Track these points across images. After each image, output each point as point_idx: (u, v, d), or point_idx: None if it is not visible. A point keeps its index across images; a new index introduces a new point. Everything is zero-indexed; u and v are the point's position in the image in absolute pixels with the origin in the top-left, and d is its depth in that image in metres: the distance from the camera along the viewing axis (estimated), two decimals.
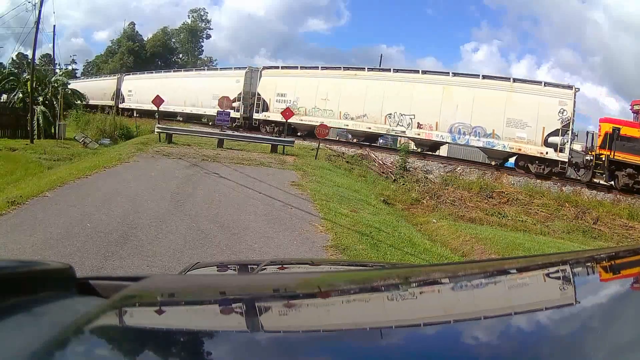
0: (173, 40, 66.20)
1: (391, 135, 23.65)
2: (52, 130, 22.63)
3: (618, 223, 15.10)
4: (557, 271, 1.07)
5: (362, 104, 21.73)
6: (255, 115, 26.04)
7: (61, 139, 21.45)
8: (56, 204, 7.43)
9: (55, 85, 25.75)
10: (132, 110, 34.68)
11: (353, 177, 16.43)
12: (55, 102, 23.96)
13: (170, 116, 32.06)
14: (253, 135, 21.34)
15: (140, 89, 33.94)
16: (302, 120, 23.37)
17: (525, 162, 18.62)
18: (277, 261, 2.19)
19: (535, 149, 17.94)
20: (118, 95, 37.91)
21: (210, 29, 68.23)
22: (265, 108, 25.50)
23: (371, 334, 0.69)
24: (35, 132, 21.99)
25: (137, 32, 63.88)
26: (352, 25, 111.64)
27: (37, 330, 0.65)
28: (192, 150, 15.45)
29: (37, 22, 22.66)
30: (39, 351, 0.56)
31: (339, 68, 23.92)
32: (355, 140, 23.46)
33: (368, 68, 23.21)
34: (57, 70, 36.04)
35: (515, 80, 18.91)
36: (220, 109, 19.62)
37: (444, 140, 20.51)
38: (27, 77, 25.05)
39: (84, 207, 7.34)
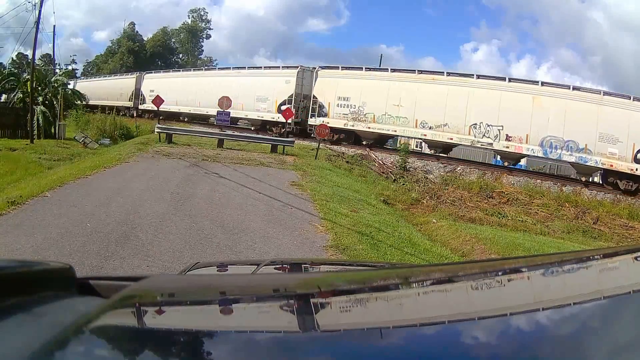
0: (173, 40, 66.21)
1: (476, 147, 21.09)
2: (52, 130, 22.63)
3: (618, 223, 15.10)
4: (557, 271, 1.07)
5: (443, 112, 19.71)
6: (311, 121, 23.45)
7: (61, 139, 21.45)
8: (56, 204, 7.44)
9: (55, 85, 25.75)
10: (154, 112, 31.37)
11: (353, 177, 16.43)
12: (55, 102, 23.96)
13: (201, 119, 29.90)
14: (253, 135, 21.29)
15: (165, 89, 30.11)
16: (369, 127, 21.52)
17: (614, 179, 17.60)
18: (277, 261, 2.19)
19: (625, 165, 17.02)
20: (138, 96, 34.79)
21: (210, 29, 68.36)
22: (323, 113, 23.06)
23: (371, 334, 0.69)
24: (35, 132, 21.99)
25: (137, 32, 63.96)
26: (351, 25, 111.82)
27: (37, 330, 0.65)
28: (192, 150, 15.46)
29: (37, 22, 22.69)
30: (39, 351, 0.56)
31: (413, 71, 21.52)
32: (432, 152, 21.35)
33: (447, 72, 20.80)
34: (57, 70, 35.74)
35: (604, 93, 17.89)
36: (220, 109, 19.61)
37: (535, 154, 19.26)
38: (27, 77, 25.04)
39: (84, 207, 7.35)
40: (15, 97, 25.59)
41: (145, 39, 63.93)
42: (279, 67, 27.23)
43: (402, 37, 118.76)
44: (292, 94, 24.13)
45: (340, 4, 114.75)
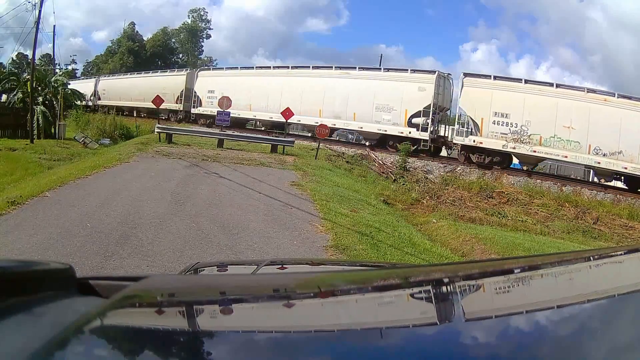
0: (173, 40, 66.22)
1: None
2: (52, 130, 22.67)
3: (618, 223, 15.12)
4: (557, 271, 1.07)
5: (617, 138, 17.49)
6: (457, 139, 20.10)
7: (61, 139, 21.46)
8: (56, 203, 7.43)
9: (55, 85, 25.76)
10: (214, 117, 26.42)
11: (353, 177, 16.44)
12: (55, 102, 23.98)
13: (280, 128, 24.23)
14: (253, 135, 21.10)
15: (232, 90, 24.95)
16: (534, 151, 18.57)
17: None
18: (277, 261, 2.19)
19: None
20: (189, 97, 29.24)
21: (210, 29, 68.25)
22: (474, 130, 19.68)
23: (371, 334, 0.69)
24: (35, 132, 22.02)
25: (137, 32, 63.97)
26: (351, 25, 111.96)
27: (37, 330, 0.65)
28: (192, 150, 15.46)
29: (37, 22, 22.70)
30: (39, 351, 0.56)
31: (582, 89, 18.62)
32: (602, 181, 19.18)
33: (619, 94, 18.30)
34: (57, 70, 35.63)
35: None
36: (220, 109, 19.61)
37: None
38: (27, 77, 25.07)
39: (84, 207, 7.34)
40: (15, 97, 25.59)
41: (145, 39, 63.95)
42: (407, 70, 21.98)
43: (402, 37, 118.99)
44: (430, 104, 20.15)
45: (340, 4, 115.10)
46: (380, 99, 21.19)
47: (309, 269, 2.16)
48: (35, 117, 22.42)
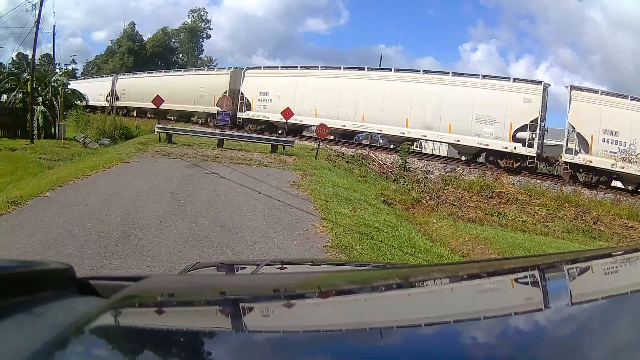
0: (173, 40, 66.21)
1: None
2: (52, 130, 22.68)
3: (618, 223, 15.13)
4: (557, 271, 1.07)
5: None
6: (566, 157, 18.36)
7: (61, 139, 21.47)
8: (56, 203, 7.43)
9: (55, 85, 25.76)
10: (268, 123, 24.06)
11: (353, 177, 16.43)
12: (55, 102, 23.99)
13: (349, 137, 22.69)
14: (253, 135, 21.06)
15: (292, 93, 22.54)
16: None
17: None
18: (277, 261, 2.19)
19: None
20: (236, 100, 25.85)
21: (210, 29, 68.15)
22: (582, 148, 18.14)
23: (371, 334, 0.69)
24: (35, 132, 22.04)
25: (137, 32, 63.95)
26: (351, 25, 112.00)
27: (37, 330, 0.65)
28: (192, 150, 15.46)
29: (37, 22, 22.72)
30: (39, 351, 0.56)
31: None
32: None
33: None
34: (57, 70, 35.50)
35: None
36: (220, 109, 19.60)
37: None
38: (27, 77, 25.09)
39: (84, 207, 7.35)
40: (15, 97, 25.60)
41: (145, 39, 63.91)
42: (509, 78, 19.85)
43: (402, 37, 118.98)
44: (537, 118, 18.50)
45: (339, 4, 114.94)
46: (480, 110, 19.14)
47: (309, 269, 2.16)
48: (35, 117, 22.45)
